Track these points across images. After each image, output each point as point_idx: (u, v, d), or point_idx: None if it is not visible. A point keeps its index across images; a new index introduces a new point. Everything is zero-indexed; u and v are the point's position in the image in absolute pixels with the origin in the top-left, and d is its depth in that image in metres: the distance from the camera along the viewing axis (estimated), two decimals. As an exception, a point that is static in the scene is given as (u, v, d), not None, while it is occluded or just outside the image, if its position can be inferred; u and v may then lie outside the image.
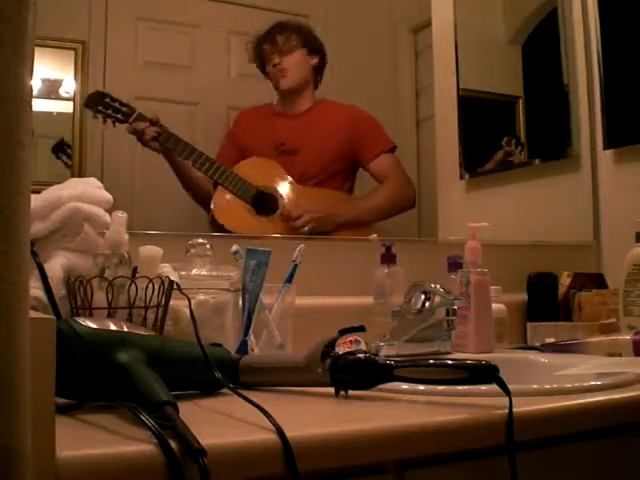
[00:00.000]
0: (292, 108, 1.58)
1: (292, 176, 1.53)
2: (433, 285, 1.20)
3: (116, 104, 1.36)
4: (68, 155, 1.34)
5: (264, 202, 1.49)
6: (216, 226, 1.45)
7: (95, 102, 1.35)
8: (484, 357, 1.09)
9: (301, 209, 1.50)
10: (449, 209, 1.74)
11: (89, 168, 1.36)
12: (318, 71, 1.58)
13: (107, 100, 1.35)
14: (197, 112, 1.50)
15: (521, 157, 1.83)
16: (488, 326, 1.30)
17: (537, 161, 1.87)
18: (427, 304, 1.20)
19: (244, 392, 0.72)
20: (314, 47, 1.56)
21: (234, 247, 1.15)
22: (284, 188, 1.52)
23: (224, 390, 0.80)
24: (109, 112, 1.35)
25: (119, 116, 1.36)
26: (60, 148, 1.33)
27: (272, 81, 1.55)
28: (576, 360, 1.11)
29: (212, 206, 1.46)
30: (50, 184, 0.99)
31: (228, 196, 1.47)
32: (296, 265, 1.18)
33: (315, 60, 1.57)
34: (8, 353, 0.44)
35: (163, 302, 0.93)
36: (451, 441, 0.70)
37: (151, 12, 1.47)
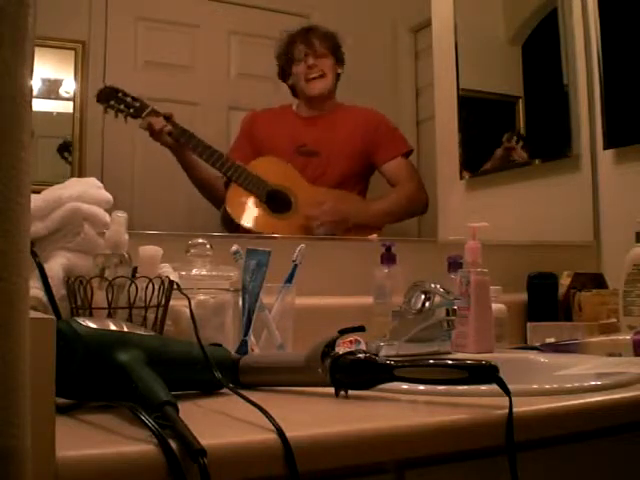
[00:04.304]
0: (313, 112, 1.58)
1: (310, 176, 1.53)
2: (433, 285, 1.20)
3: (128, 99, 1.36)
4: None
5: (278, 200, 1.49)
6: (228, 225, 1.45)
7: (107, 97, 1.35)
8: (484, 357, 1.10)
9: (318, 210, 1.51)
10: (449, 209, 1.74)
11: (89, 168, 1.36)
12: (338, 79, 1.59)
13: (119, 95, 1.35)
14: (197, 112, 1.50)
15: (522, 153, 1.82)
16: (488, 326, 1.30)
17: (537, 161, 1.87)
18: (427, 304, 1.20)
19: (244, 392, 0.72)
20: (341, 57, 1.58)
21: (234, 247, 1.15)
22: (298, 188, 1.51)
23: (224, 390, 0.80)
24: (121, 107, 1.34)
25: (131, 111, 1.36)
26: (65, 148, 1.33)
27: (297, 83, 1.55)
28: (576, 360, 1.11)
29: (227, 207, 1.46)
30: (50, 184, 0.99)
31: (242, 197, 1.47)
32: (296, 265, 1.18)
33: (340, 70, 1.58)
34: (8, 353, 0.44)
35: (163, 302, 0.93)
36: (451, 441, 0.70)
37: (151, 12, 1.47)
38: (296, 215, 1.50)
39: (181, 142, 1.41)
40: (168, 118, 1.39)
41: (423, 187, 1.65)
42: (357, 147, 1.59)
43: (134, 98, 1.36)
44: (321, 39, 1.56)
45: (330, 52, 1.57)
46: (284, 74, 1.55)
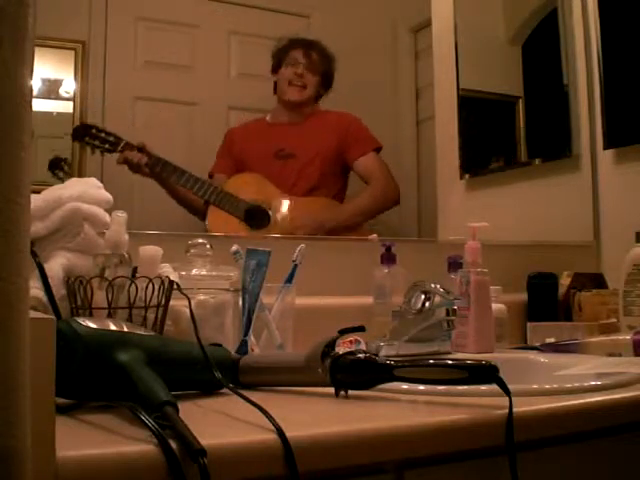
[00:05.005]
0: (289, 118, 1.60)
1: (288, 179, 1.54)
2: (433, 285, 1.20)
3: (102, 134, 1.37)
4: (65, 172, 1.34)
5: (257, 216, 1.50)
6: None
7: (82, 134, 1.37)
8: (484, 357, 1.09)
9: (292, 224, 1.52)
10: (449, 209, 1.74)
11: (89, 168, 1.36)
12: (317, 98, 1.61)
13: (93, 131, 1.37)
14: (197, 112, 1.50)
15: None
16: (488, 326, 1.30)
17: (537, 161, 1.87)
18: (427, 304, 1.20)
19: (244, 392, 0.72)
20: (328, 82, 1.60)
21: (234, 247, 1.15)
22: (274, 200, 1.52)
23: (224, 390, 0.80)
24: (96, 143, 1.37)
25: (107, 146, 1.38)
26: (56, 165, 1.34)
27: (280, 84, 1.57)
28: (576, 360, 1.11)
29: (207, 224, 1.46)
30: (50, 184, 0.99)
31: (222, 219, 1.48)
32: (296, 265, 1.18)
33: (321, 92, 1.60)
34: (8, 353, 0.44)
35: (163, 302, 0.92)
36: (451, 441, 0.70)
37: (151, 12, 1.47)
38: (275, 228, 1.51)
39: (156, 171, 1.42)
40: (141, 149, 1.40)
41: (393, 180, 1.65)
42: (332, 147, 1.60)
43: (107, 133, 1.38)
44: (319, 57, 1.59)
45: (320, 73, 1.59)
46: (275, 69, 1.57)
